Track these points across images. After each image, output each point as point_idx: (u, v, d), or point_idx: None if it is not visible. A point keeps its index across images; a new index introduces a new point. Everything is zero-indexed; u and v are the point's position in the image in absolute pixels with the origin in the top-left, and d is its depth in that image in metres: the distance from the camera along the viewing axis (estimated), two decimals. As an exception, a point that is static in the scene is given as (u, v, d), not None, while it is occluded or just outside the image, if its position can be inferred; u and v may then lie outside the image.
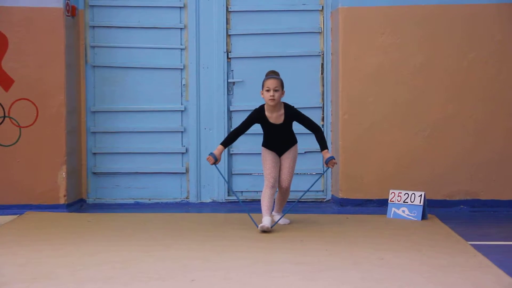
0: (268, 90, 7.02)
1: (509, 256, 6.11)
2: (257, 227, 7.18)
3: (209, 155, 7.24)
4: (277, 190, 7.34)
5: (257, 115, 7.24)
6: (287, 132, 7.28)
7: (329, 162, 7.13)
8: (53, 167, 8.55)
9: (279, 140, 7.25)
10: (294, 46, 8.89)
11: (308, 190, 7.66)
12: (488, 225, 7.67)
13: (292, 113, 7.20)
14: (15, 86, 8.50)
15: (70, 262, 5.88)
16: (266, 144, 7.31)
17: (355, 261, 5.84)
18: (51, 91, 8.54)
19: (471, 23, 8.52)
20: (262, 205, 7.16)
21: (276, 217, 7.31)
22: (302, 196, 7.81)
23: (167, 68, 9.20)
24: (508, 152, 8.55)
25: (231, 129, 8.95)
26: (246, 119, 7.33)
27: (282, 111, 7.18)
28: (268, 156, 7.24)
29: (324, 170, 8.25)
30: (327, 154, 7.22)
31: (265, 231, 6.97)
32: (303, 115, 7.27)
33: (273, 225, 7.13)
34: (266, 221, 7.03)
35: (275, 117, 7.17)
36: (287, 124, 7.24)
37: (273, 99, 7.02)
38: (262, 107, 7.23)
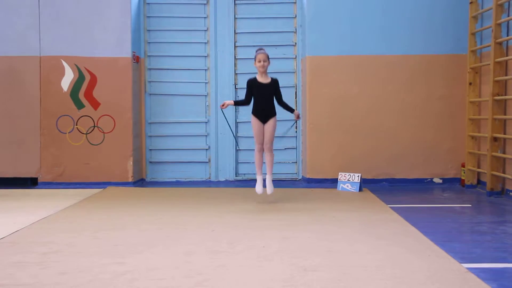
0: (259, 61, 6.61)
1: (413, 213, 6.13)
2: (231, 130, 7.32)
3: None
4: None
5: (251, 80, 6.76)
6: (270, 96, 6.73)
7: (298, 115, 6.91)
8: (124, 158, 8.56)
9: (263, 101, 6.68)
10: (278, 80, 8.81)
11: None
12: (400, 195, 7.59)
13: (275, 81, 6.75)
14: (101, 107, 8.52)
15: (135, 218, 5.95)
16: (254, 110, 6.75)
17: (316, 219, 5.83)
18: (123, 110, 8.55)
19: (390, 67, 8.52)
20: (255, 164, 6.86)
21: (268, 180, 6.73)
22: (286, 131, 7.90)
23: (196, 95, 9.16)
24: (412, 147, 8.54)
25: (238, 134, 9.13)
26: (246, 89, 6.81)
27: (269, 79, 6.73)
28: (255, 125, 6.72)
29: (293, 123, 7.84)
30: (296, 111, 6.92)
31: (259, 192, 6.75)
32: (280, 90, 6.80)
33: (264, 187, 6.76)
34: (258, 188, 6.74)
35: (263, 79, 6.71)
36: (271, 86, 6.72)
37: (263, 66, 6.62)
38: (254, 76, 6.78)
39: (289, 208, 6.52)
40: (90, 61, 8.52)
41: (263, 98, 6.72)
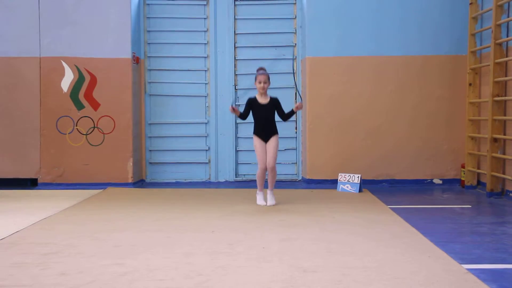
0: (260, 82, 6.63)
1: (413, 214, 6.14)
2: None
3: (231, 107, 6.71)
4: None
5: (251, 99, 6.76)
6: (271, 116, 6.72)
7: (299, 105, 6.70)
8: (124, 159, 8.56)
9: (263, 121, 6.67)
10: (278, 81, 8.61)
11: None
12: (400, 196, 7.60)
13: (274, 100, 6.73)
14: (101, 108, 8.52)
15: (135, 219, 5.95)
16: (255, 129, 6.75)
17: (316, 220, 5.83)
18: (123, 110, 8.55)
19: (390, 68, 8.51)
20: (257, 182, 6.86)
21: (269, 194, 6.79)
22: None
23: (196, 96, 9.17)
24: (412, 148, 8.55)
25: (238, 135, 9.19)
26: (245, 106, 6.79)
27: (269, 98, 6.73)
28: (257, 145, 6.70)
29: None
30: (296, 104, 6.75)
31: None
32: (282, 107, 6.77)
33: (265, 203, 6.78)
34: (260, 201, 6.79)
35: (263, 100, 6.70)
36: (271, 106, 6.71)
37: (263, 88, 6.64)
38: (254, 96, 6.78)
39: (289, 209, 6.52)
40: (90, 62, 8.52)
41: (263, 118, 6.71)
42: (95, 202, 7.09)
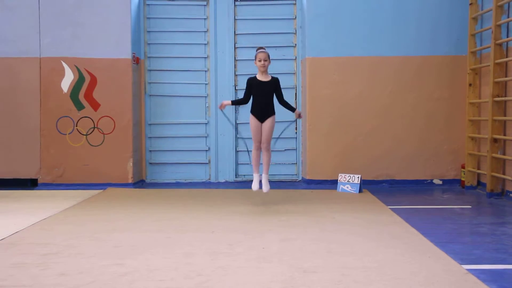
0: (260, 60, 6.50)
1: (413, 215, 6.14)
2: (247, 150, 6.95)
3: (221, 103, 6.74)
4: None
5: (251, 78, 6.67)
6: (269, 95, 6.60)
7: (299, 114, 6.75)
8: (124, 159, 8.56)
9: (262, 100, 6.56)
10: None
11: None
12: (400, 196, 7.60)
13: (275, 80, 6.64)
14: (101, 108, 8.53)
15: (135, 219, 5.96)
16: (252, 108, 6.63)
17: (316, 220, 5.82)
18: (123, 111, 8.55)
19: (389, 68, 8.51)
20: (252, 162, 6.75)
21: (264, 178, 6.66)
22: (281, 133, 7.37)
23: (196, 96, 9.17)
24: (412, 148, 8.55)
25: (238, 135, 9.21)
26: (245, 87, 6.71)
27: (270, 77, 6.62)
28: (253, 123, 6.59)
29: (288, 124, 7.58)
30: (297, 110, 6.78)
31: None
32: (281, 89, 6.68)
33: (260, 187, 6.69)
34: (254, 186, 6.66)
35: (264, 78, 6.60)
36: (271, 84, 6.60)
37: (264, 66, 6.51)
38: (254, 75, 6.69)
39: (288, 209, 6.52)
40: (90, 62, 8.52)
41: (262, 96, 6.58)
42: (95, 203, 7.09)
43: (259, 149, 6.68)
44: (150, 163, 9.21)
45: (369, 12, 8.57)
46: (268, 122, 6.61)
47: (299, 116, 6.81)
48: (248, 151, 7.20)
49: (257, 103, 6.61)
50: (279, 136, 7.36)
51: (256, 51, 6.66)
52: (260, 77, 6.64)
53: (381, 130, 8.62)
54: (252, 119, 6.64)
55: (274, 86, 6.64)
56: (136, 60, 8.76)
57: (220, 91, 9.16)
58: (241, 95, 8.96)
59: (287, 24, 9.16)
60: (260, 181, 6.74)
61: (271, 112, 6.64)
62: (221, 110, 6.84)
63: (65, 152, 8.57)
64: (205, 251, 4.57)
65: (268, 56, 6.60)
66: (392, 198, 7.42)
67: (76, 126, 8.56)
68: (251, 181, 8.65)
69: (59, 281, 3.83)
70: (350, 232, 5.25)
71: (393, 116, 8.62)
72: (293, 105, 6.76)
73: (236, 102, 6.91)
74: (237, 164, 9.22)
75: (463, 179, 8.31)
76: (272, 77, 6.67)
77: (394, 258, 4.34)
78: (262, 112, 6.61)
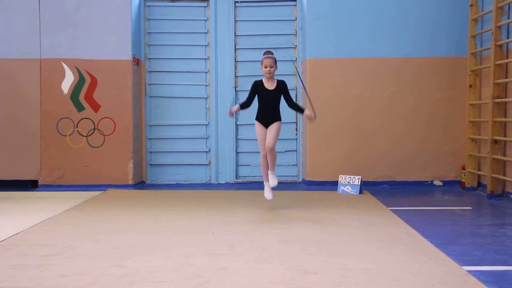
0: (266, 67, 6.39)
1: (413, 216, 6.14)
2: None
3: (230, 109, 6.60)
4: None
5: (257, 83, 6.53)
6: (276, 102, 6.48)
7: (310, 118, 6.54)
8: (124, 160, 8.55)
9: (268, 107, 6.46)
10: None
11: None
12: (400, 197, 7.61)
13: (282, 85, 6.50)
14: (101, 109, 8.51)
15: (135, 220, 5.96)
16: (258, 115, 6.54)
17: (316, 221, 5.82)
18: (124, 112, 8.54)
19: (390, 69, 8.50)
20: (262, 171, 6.67)
21: (270, 174, 6.58)
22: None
23: (196, 97, 9.16)
24: (412, 150, 8.54)
25: (238, 137, 9.19)
26: (250, 90, 6.56)
27: (276, 83, 6.48)
28: (259, 131, 6.50)
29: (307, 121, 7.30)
30: (306, 112, 6.56)
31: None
32: (289, 92, 6.55)
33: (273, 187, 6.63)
34: (266, 194, 6.64)
35: (269, 84, 6.47)
36: (277, 91, 6.47)
37: (269, 73, 6.41)
38: (260, 79, 6.55)
39: (289, 210, 6.52)
40: (91, 63, 8.52)
41: (267, 104, 6.49)
42: (96, 204, 7.09)
43: (266, 156, 6.59)
44: (151, 164, 9.21)
45: (369, 13, 8.57)
46: (273, 126, 6.50)
47: (311, 119, 6.59)
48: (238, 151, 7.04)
49: (263, 110, 6.53)
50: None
51: (263, 55, 6.53)
52: (266, 83, 6.52)
53: (381, 131, 8.62)
54: (258, 126, 6.56)
55: (281, 91, 6.53)
56: (136, 62, 8.77)
57: (221, 92, 9.16)
58: (241, 95, 9.04)
59: (288, 25, 9.16)
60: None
61: (277, 118, 6.53)
62: (231, 117, 6.74)
63: (66, 154, 8.56)
64: (206, 252, 4.57)
65: (275, 61, 6.47)
66: (393, 199, 7.42)
67: (77, 127, 8.56)
68: (252, 182, 8.71)
69: (59, 283, 3.84)
70: (350, 234, 5.25)
71: (394, 117, 8.62)
72: (302, 110, 6.63)
73: (243, 106, 6.66)
74: (237, 165, 9.22)
75: (463, 180, 8.30)
76: (278, 82, 6.53)
77: (395, 260, 4.34)
78: (267, 119, 6.52)
